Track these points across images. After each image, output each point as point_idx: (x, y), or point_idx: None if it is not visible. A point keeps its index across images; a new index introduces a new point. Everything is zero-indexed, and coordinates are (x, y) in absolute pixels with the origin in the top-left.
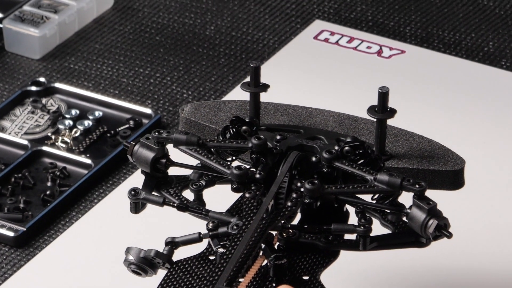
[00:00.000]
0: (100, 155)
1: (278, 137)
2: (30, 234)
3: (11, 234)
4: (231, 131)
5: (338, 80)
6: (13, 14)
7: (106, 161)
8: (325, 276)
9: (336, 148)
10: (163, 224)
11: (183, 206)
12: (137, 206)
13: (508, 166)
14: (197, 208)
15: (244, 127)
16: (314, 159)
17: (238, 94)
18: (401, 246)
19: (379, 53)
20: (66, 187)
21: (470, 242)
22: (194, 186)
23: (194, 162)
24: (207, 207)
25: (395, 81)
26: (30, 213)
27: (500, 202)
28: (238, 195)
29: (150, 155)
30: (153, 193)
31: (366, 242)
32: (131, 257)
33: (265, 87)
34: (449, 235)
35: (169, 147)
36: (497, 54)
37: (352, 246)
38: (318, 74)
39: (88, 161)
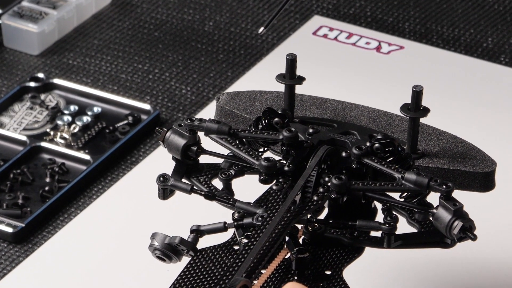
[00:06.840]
0: (99, 151)
1: (310, 130)
2: (29, 230)
3: (9, 230)
4: (263, 122)
5: (337, 76)
6: (11, 10)
7: (105, 157)
8: (348, 272)
9: (367, 144)
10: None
11: (210, 195)
12: (165, 192)
13: (506, 162)
14: (225, 197)
15: (276, 119)
16: (344, 154)
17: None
18: (425, 246)
19: (378, 49)
20: (65, 183)
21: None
22: (223, 175)
23: (225, 151)
24: (235, 197)
25: (394, 77)
26: (29, 209)
27: None
28: (268, 185)
29: (181, 142)
30: (183, 180)
31: (391, 240)
32: (156, 243)
33: (300, 79)
34: (474, 238)
35: (202, 135)
36: (496, 50)
37: (377, 243)
38: (317, 70)
39: (87, 157)
